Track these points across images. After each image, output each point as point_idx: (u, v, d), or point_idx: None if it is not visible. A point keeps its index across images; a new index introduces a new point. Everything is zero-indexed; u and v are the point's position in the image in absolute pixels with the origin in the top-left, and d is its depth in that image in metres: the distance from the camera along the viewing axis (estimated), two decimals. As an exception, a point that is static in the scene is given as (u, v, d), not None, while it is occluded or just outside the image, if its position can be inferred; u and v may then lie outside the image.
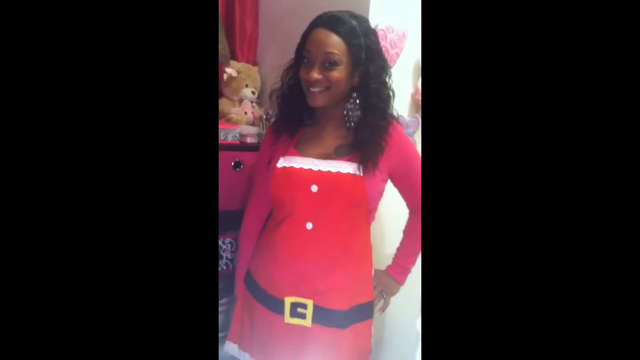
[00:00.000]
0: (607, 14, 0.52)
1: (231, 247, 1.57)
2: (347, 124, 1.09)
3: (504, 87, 0.55)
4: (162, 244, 0.58)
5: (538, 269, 0.53)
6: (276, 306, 1.12)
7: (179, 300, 0.59)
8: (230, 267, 1.55)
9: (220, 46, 1.59)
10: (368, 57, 1.05)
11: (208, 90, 0.62)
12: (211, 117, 0.63)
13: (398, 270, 1.22)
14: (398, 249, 1.23)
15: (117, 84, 0.57)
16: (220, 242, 1.57)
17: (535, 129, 0.54)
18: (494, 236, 0.55)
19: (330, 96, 1.04)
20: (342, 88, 1.05)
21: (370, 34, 1.08)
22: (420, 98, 1.48)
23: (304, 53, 1.05)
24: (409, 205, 1.21)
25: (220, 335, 1.55)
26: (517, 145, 0.54)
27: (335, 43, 1.01)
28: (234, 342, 1.23)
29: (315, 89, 1.03)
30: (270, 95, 1.19)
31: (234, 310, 1.25)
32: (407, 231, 1.23)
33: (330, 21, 1.02)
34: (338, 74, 1.02)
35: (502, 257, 0.54)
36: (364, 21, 1.07)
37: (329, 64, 1.01)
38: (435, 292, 0.57)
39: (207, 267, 0.61)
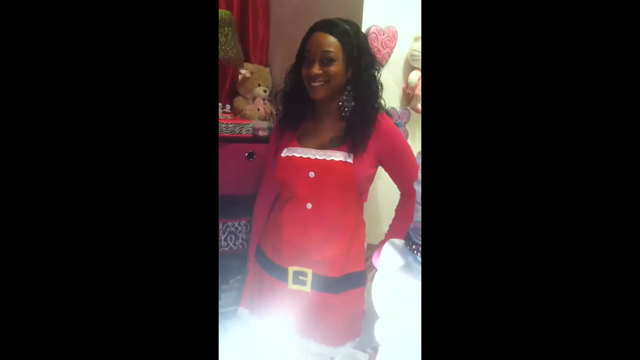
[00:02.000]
0: (607, 14, 0.51)
1: (246, 228, 1.74)
2: (342, 113, 1.25)
3: (504, 84, 0.54)
4: (166, 230, 0.58)
5: (540, 268, 0.51)
6: (281, 274, 1.28)
7: (181, 283, 0.58)
8: (245, 246, 1.72)
9: (234, 50, 1.74)
10: (359, 54, 1.21)
11: (208, 85, 0.63)
12: (211, 113, 0.65)
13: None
14: (390, 226, 1.36)
15: (125, 78, 0.57)
16: (236, 224, 1.74)
17: (535, 127, 0.53)
18: (495, 233, 0.53)
19: (329, 88, 1.21)
20: (338, 81, 1.21)
21: (360, 35, 1.25)
22: (410, 92, 1.61)
23: (305, 54, 1.21)
24: (399, 187, 1.33)
25: (229, 309, 1.71)
26: (517, 141, 0.53)
27: (331, 42, 1.18)
28: (246, 308, 1.40)
29: (317, 83, 1.20)
30: (276, 96, 1.36)
31: (246, 280, 1.42)
32: (398, 210, 1.35)
33: (325, 25, 1.20)
34: (335, 68, 1.19)
35: (504, 256, 0.52)
36: (354, 25, 1.24)
37: (327, 60, 1.18)
38: (435, 292, 0.55)
39: (208, 250, 0.60)
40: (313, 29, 1.22)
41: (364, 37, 1.27)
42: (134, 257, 0.57)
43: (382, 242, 1.32)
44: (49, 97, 0.55)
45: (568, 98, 0.52)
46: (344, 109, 1.25)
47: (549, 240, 0.51)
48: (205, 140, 0.61)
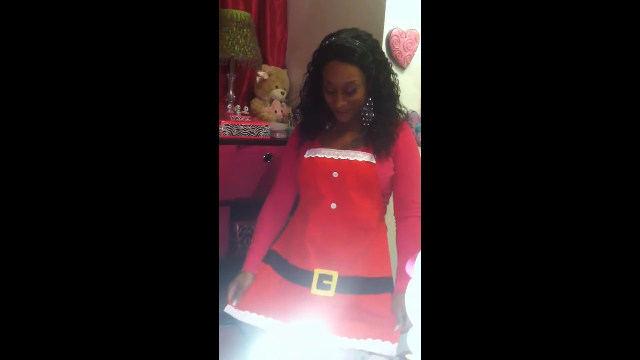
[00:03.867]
0: (607, 13, 0.51)
1: (262, 231, 1.73)
2: (364, 124, 1.26)
3: (503, 87, 0.54)
4: (167, 231, 0.58)
5: (543, 268, 0.52)
6: (302, 278, 1.25)
7: (181, 284, 0.58)
8: (262, 249, 1.71)
9: (253, 52, 1.74)
10: (377, 70, 1.20)
11: (209, 85, 0.62)
12: (211, 113, 0.64)
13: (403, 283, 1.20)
14: (397, 267, 1.27)
15: (127, 78, 0.57)
16: (252, 227, 1.72)
17: (533, 129, 0.53)
18: (495, 234, 0.53)
19: (353, 112, 1.23)
20: (362, 103, 1.22)
21: (376, 48, 1.22)
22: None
23: (326, 84, 1.19)
24: (397, 201, 1.27)
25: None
26: (516, 144, 0.53)
27: (352, 72, 1.16)
28: (243, 310, 1.29)
29: (342, 112, 1.21)
30: (294, 112, 1.35)
31: (251, 285, 1.32)
32: (398, 242, 1.27)
33: (342, 52, 1.15)
34: (358, 96, 1.19)
35: (505, 256, 0.53)
36: (368, 38, 1.21)
37: (350, 91, 1.18)
38: (435, 292, 0.55)
39: (207, 252, 0.60)
40: (328, 55, 1.17)
41: (379, 47, 1.24)
42: (134, 259, 0.57)
43: (399, 281, 1.26)
44: (50, 95, 0.55)
45: (567, 95, 0.52)
46: (366, 120, 1.26)
47: (548, 235, 0.52)
48: (205, 142, 0.61)
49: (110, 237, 0.57)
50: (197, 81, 0.61)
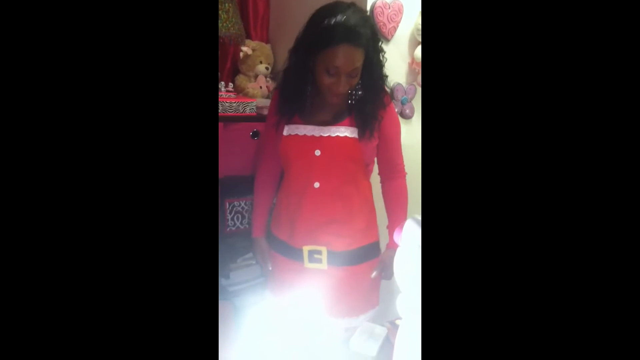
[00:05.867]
0: (608, 13, 0.51)
1: (252, 207, 1.74)
2: (350, 102, 1.21)
3: (505, 83, 0.53)
4: (166, 213, 0.58)
5: (546, 268, 0.51)
6: (296, 255, 1.28)
7: (181, 265, 0.58)
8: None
9: (236, 27, 1.71)
10: (374, 51, 1.15)
11: (209, 64, 0.62)
12: (211, 93, 0.64)
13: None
14: (388, 225, 1.34)
15: (126, 64, 0.57)
16: (242, 203, 1.74)
17: (535, 114, 0.52)
18: (496, 231, 0.53)
19: (346, 92, 1.18)
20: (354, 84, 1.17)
21: (374, 27, 1.19)
22: (416, 67, 1.60)
23: (331, 68, 1.10)
24: (383, 168, 1.32)
25: (238, 287, 1.73)
26: (517, 138, 0.53)
27: (360, 57, 1.11)
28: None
29: (337, 95, 1.16)
30: (280, 75, 1.28)
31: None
32: (387, 202, 1.33)
33: (353, 36, 1.08)
34: (357, 79, 1.15)
35: (507, 254, 0.53)
36: (364, 13, 1.16)
37: (353, 75, 1.13)
38: (435, 292, 0.55)
39: (209, 230, 0.60)
40: (337, 38, 1.07)
41: (375, 25, 1.22)
42: (134, 242, 0.57)
43: (390, 243, 1.32)
44: (47, 83, 0.55)
45: (569, 78, 0.52)
46: (352, 97, 1.21)
47: (550, 231, 0.52)
48: (206, 120, 0.61)
49: (109, 218, 0.57)
50: (197, 60, 0.60)
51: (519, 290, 0.53)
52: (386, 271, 1.31)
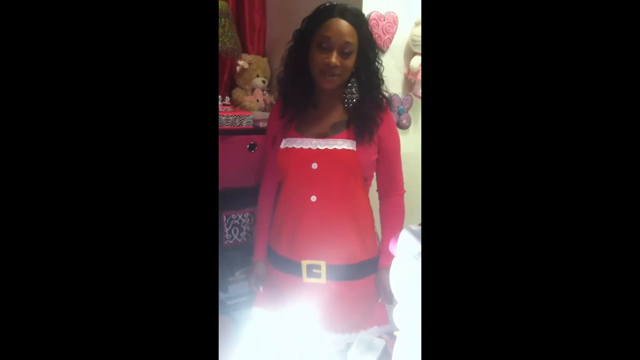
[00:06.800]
0: (608, 13, 0.51)
1: (249, 220, 1.73)
2: (346, 105, 1.22)
3: (506, 85, 0.53)
4: (167, 224, 0.58)
5: (546, 276, 0.51)
6: (294, 269, 1.26)
7: (182, 276, 0.58)
8: (250, 238, 1.71)
9: (232, 41, 1.73)
10: (369, 46, 1.18)
11: (209, 77, 0.63)
12: (211, 106, 0.65)
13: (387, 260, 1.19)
14: (381, 242, 1.32)
15: (125, 71, 0.57)
16: (240, 216, 1.74)
17: (535, 115, 0.52)
18: (496, 234, 0.53)
19: (340, 80, 1.17)
20: (349, 73, 1.18)
21: (367, 25, 1.21)
22: (412, 78, 1.60)
23: (322, 40, 1.13)
24: (382, 185, 1.31)
25: (237, 301, 1.71)
26: (517, 134, 0.53)
27: (351, 33, 1.13)
28: (261, 307, 1.35)
29: (330, 75, 1.15)
30: (279, 83, 1.30)
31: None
32: (383, 219, 1.31)
33: (344, 11, 1.14)
34: (350, 62, 1.15)
35: (508, 265, 0.52)
36: (362, 14, 1.21)
37: (347, 52, 1.13)
38: (435, 302, 0.54)
39: (208, 243, 0.61)
40: (330, 13, 1.14)
41: (369, 27, 1.25)
42: (134, 251, 0.57)
43: (384, 257, 1.30)
44: (49, 88, 0.55)
45: (569, 87, 0.51)
46: (349, 100, 1.22)
47: (551, 238, 0.51)
48: (206, 133, 0.61)
49: (110, 232, 0.57)
50: (197, 74, 0.61)
51: (520, 302, 0.52)
52: (386, 294, 1.28)
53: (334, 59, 1.13)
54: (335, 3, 1.17)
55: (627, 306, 0.49)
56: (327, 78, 1.16)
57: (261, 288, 1.37)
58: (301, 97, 1.24)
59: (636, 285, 0.49)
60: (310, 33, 1.17)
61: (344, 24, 1.13)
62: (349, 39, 1.13)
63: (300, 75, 1.22)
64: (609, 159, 0.51)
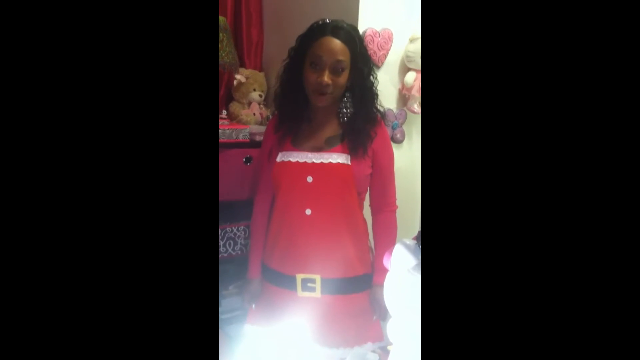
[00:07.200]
0: (607, 14, 0.51)
1: (244, 233, 1.73)
2: (341, 120, 1.23)
3: (504, 85, 0.53)
4: (167, 234, 0.58)
5: (547, 287, 0.51)
6: (288, 283, 1.26)
7: (181, 289, 0.58)
8: (245, 251, 1.71)
9: (230, 56, 1.74)
10: (363, 62, 1.20)
11: (208, 90, 0.63)
12: (211, 118, 0.65)
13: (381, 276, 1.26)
14: (375, 259, 1.31)
15: (129, 81, 0.57)
16: (234, 229, 1.73)
17: (534, 126, 0.52)
18: (495, 231, 0.53)
19: (332, 98, 1.19)
20: (342, 90, 1.20)
21: (362, 41, 1.23)
22: (406, 93, 1.62)
23: (314, 59, 1.15)
24: (375, 201, 1.31)
25: (230, 315, 1.70)
26: (516, 141, 0.53)
27: (343, 51, 1.15)
28: (254, 324, 1.34)
29: (323, 94, 1.16)
30: (275, 99, 1.32)
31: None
32: (376, 236, 1.32)
33: (335, 30, 1.16)
34: (343, 79, 1.17)
35: (509, 259, 0.52)
36: (355, 29, 1.24)
37: (339, 70, 1.15)
38: (434, 316, 0.54)
39: (208, 255, 0.61)
40: (322, 32, 1.16)
41: (364, 42, 1.26)
42: (135, 263, 0.57)
43: (377, 274, 1.29)
44: (51, 102, 0.55)
45: (567, 97, 0.52)
46: (343, 115, 1.23)
47: (550, 237, 0.51)
48: (206, 145, 0.61)
49: (111, 244, 0.57)
50: (197, 87, 0.61)
51: (519, 315, 0.52)
52: (380, 311, 1.28)
53: (326, 77, 1.15)
54: (328, 21, 1.18)
55: (626, 307, 0.49)
56: (319, 97, 1.18)
57: (254, 305, 1.36)
58: (296, 112, 1.25)
59: (636, 285, 0.49)
60: (304, 51, 1.19)
61: (335, 43, 1.15)
62: (340, 57, 1.15)
63: (295, 91, 1.24)
64: (608, 167, 0.51)
